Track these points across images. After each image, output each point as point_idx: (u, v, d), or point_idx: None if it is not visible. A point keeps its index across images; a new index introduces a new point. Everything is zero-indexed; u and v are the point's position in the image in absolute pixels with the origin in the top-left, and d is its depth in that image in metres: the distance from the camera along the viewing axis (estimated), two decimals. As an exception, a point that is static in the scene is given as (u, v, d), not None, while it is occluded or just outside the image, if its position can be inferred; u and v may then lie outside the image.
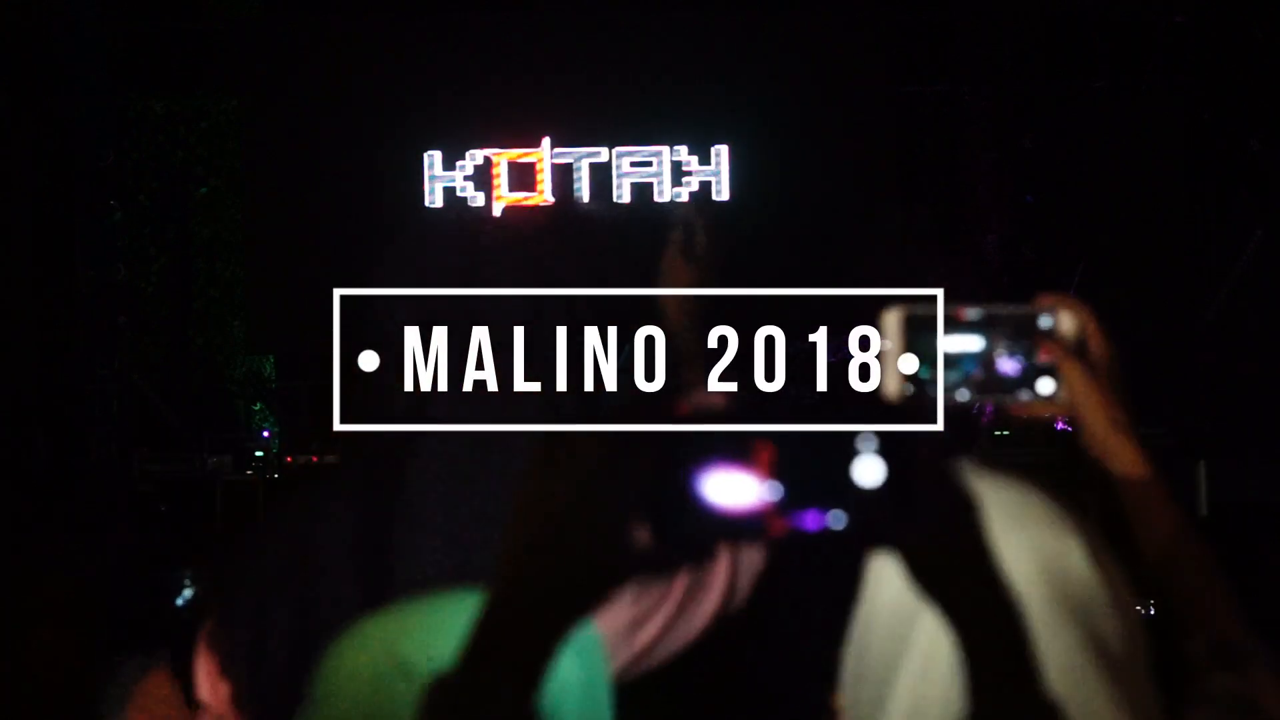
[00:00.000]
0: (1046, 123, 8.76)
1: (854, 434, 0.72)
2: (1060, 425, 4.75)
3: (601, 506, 0.73)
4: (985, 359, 1.12)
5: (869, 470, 0.73)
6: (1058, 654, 0.96)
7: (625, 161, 8.22)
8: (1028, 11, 8.48)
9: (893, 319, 1.10)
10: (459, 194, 8.16)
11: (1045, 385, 1.12)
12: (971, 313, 1.12)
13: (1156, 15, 8.38)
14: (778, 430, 0.73)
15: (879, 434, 0.72)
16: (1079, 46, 8.52)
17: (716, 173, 8.24)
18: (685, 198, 8.24)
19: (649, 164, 8.23)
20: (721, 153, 8.23)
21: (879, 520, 0.73)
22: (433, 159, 8.15)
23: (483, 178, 8.17)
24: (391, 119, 8.04)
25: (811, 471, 0.72)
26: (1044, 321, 1.14)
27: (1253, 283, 7.61)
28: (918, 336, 1.10)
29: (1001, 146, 8.84)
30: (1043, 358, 1.13)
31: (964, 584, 0.78)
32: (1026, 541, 1.00)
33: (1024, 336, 1.13)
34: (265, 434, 8.18)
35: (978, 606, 0.78)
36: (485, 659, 0.75)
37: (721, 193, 8.24)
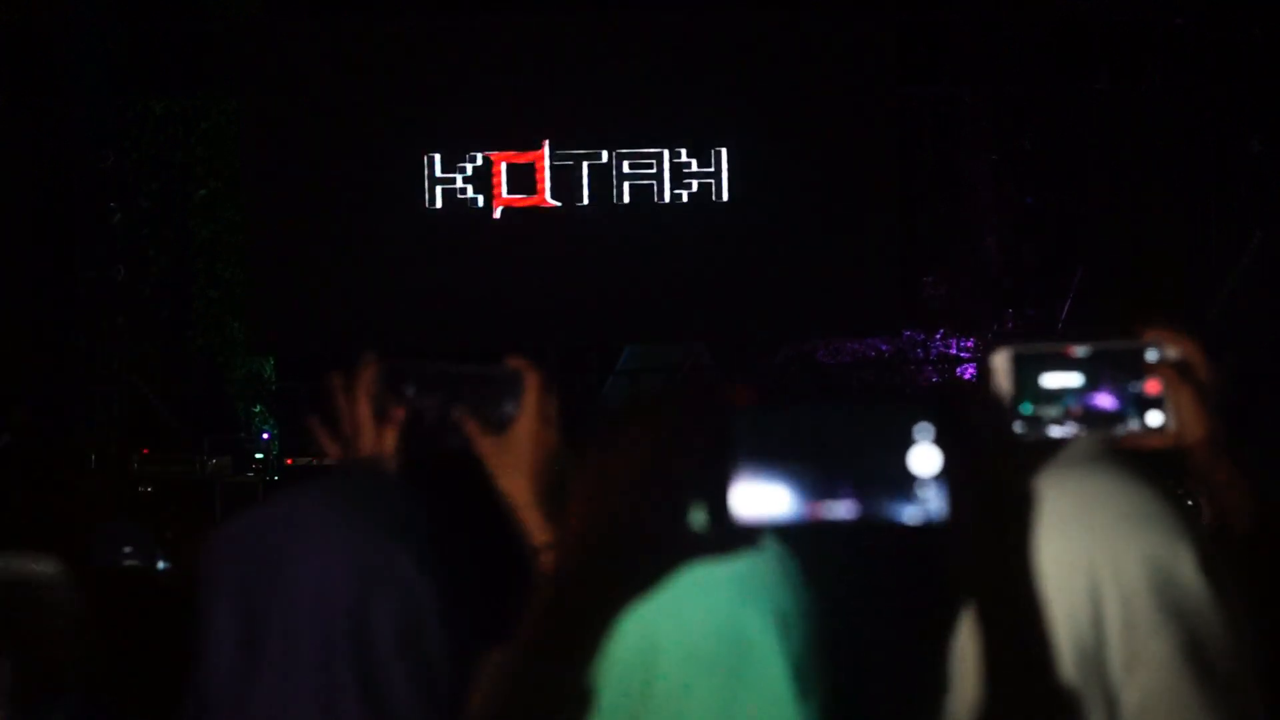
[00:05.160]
0: (1047, 125, 8.76)
1: (912, 424, 0.74)
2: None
3: (659, 492, 0.75)
4: (1087, 394, 1.13)
5: (925, 459, 0.75)
6: (1155, 654, 1.01)
7: (625, 164, 8.22)
8: (1028, 14, 8.48)
9: (1003, 357, 1.11)
10: (459, 196, 8.15)
11: (1154, 417, 1.13)
12: (1080, 350, 1.13)
13: (1156, 18, 8.38)
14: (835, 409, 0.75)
15: (936, 424, 0.74)
16: (1079, 49, 8.52)
17: (716, 174, 8.24)
18: (685, 199, 8.23)
19: (649, 166, 8.22)
20: (721, 154, 8.22)
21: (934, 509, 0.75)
22: (433, 161, 8.14)
23: (483, 180, 8.16)
24: (391, 121, 8.04)
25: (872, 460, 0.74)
26: (1151, 355, 1.15)
27: (1253, 283, 7.61)
28: (1026, 374, 1.11)
29: (1002, 148, 8.85)
30: (1150, 390, 1.14)
31: (996, 574, 0.80)
32: (1138, 544, 1.05)
33: (1131, 370, 1.14)
34: (265, 436, 8.17)
35: (1005, 596, 0.80)
36: (541, 638, 0.77)
37: (721, 194, 8.23)
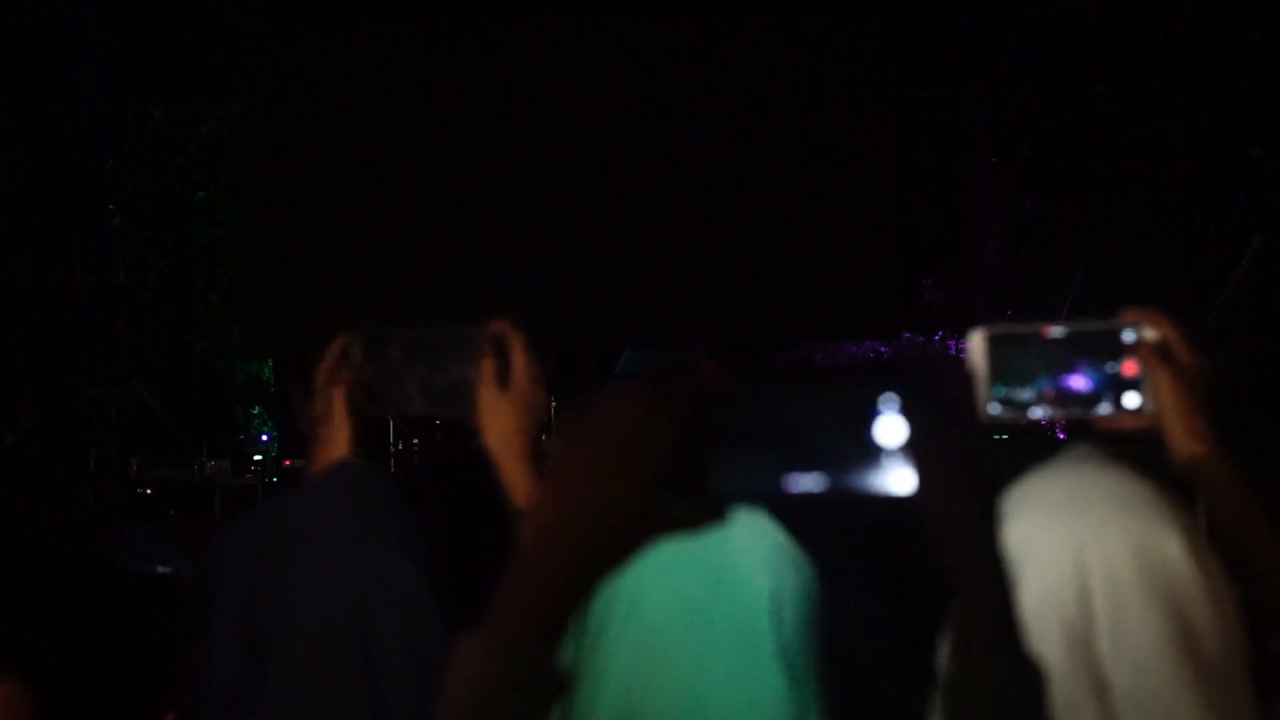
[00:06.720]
0: (1046, 128, 8.77)
1: (876, 395, 0.75)
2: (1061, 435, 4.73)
3: (635, 469, 0.75)
4: (1061, 375, 1.11)
5: (890, 430, 0.75)
6: (1142, 635, 1.02)
7: (623, 164, 8.20)
8: (1028, 17, 8.49)
9: (978, 339, 1.09)
10: (459, 199, 8.14)
11: (1130, 399, 1.12)
12: (1055, 330, 1.12)
13: (1156, 21, 8.38)
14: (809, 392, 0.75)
15: (901, 396, 0.75)
16: (1078, 52, 8.53)
17: (714, 175, 8.22)
18: (683, 201, 8.22)
19: (647, 166, 8.20)
20: (719, 155, 8.21)
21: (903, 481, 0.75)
22: (432, 165, 8.13)
23: (483, 183, 8.15)
24: (392, 125, 8.04)
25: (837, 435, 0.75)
26: (1128, 336, 1.13)
27: (1251, 288, 7.61)
28: (1001, 355, 1.09)
29: (1001, 152, 8.85)
30: (1128, 371, 1.12)
31: (964, 549, 0.80)
32: (1126, 526, 1.07)
33: (1108, 352, 1.12)
34: (264, 438, 8.17)
35: (973, 571, 0.80)
36: (512, 617, 0.77)
37: (718, 195, 8.22)
